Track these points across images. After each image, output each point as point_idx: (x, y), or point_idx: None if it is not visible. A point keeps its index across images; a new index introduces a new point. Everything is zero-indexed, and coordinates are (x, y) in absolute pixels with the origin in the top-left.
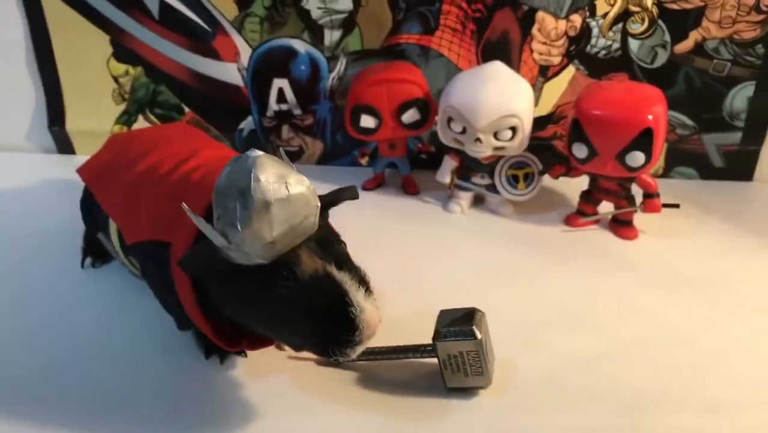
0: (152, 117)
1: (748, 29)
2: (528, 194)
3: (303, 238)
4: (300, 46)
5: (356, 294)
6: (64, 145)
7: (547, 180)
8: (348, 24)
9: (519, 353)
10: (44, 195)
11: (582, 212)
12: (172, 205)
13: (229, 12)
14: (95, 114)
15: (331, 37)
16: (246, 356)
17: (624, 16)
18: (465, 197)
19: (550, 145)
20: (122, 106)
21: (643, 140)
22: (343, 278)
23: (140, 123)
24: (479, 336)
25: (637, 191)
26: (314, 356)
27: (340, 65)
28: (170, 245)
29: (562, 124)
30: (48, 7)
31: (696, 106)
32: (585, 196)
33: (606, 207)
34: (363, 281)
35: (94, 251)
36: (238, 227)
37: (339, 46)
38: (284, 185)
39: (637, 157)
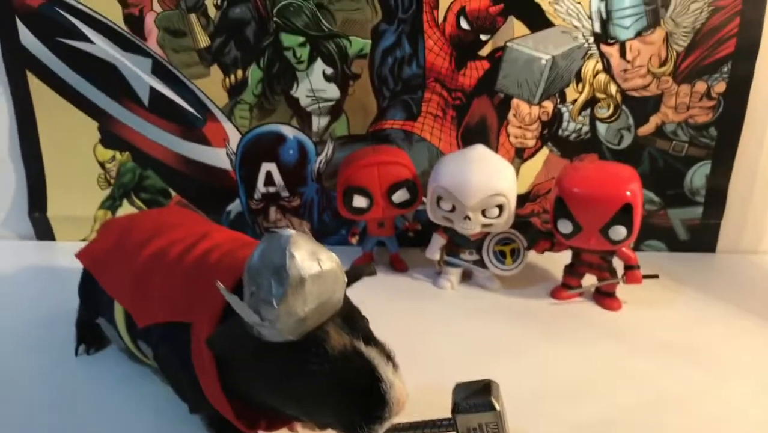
0: (138, 201)
1: (701, 114)
2: (515, 269)
3: (330, 314)
4: (288, 131)
5: (385, 369)
6: (43, 232)
7: (531, 255)
8: (335, 111)
9: (529, 424)
10: (22, 282)
11: (567, 285)
12: (192, 287)
13: (220, 100)
14: (79, 200)
15: (318, 123)
16: None
17: (591, 102)
18: (454, 273)
19: (529, 222)
20: (107, 192)
21: (624, 215)
22: (371, 353)
23: (125, 208)
24: (498, 408)
25: (617, 264)
26: None
27: (328, 149)
28: (190, 325)
29: (539, 202)
30: (36, 93)
31: (660, 183)
32: (569, 269)
33: (589, 280)
34: (389, 357)
35: (89, 338)
36: (274, 303)
37: (326, 131)
38: (317, 262)
39: (619, 231)
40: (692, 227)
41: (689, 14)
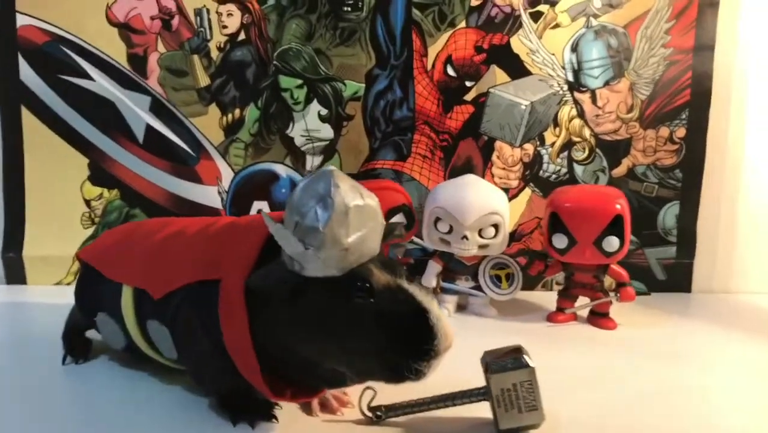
0: None
1: (667, 157)
2: (511, 293)
3: (370, 256)
4: (282, 170)
5: (432, 304)
6: (14, 274)
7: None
8: (329, 150)
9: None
10: None
11: (561, 309)
12: (221, 246)
13: (216, 138)
14: (59, 239)
15: (312, 162)
16: (277, 421)
17: (568, 145)
18: (451, 300)
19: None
20: (90, 231)
21: (616, 226)
22: (415, 290)
23: None
24: (532, 364)
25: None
26: (350, 417)
27: None
28: (218, 282)
29: (524, 242)
30: (28, 128)
31: (635, 223)
32: (563, 293)
33: (583, 302)
34: (432, 296)
35: (77, 348)
36: (320, 227)
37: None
38: (359, 194)
39: (612, 242)
40: (668, 266)
41: (648, 67)
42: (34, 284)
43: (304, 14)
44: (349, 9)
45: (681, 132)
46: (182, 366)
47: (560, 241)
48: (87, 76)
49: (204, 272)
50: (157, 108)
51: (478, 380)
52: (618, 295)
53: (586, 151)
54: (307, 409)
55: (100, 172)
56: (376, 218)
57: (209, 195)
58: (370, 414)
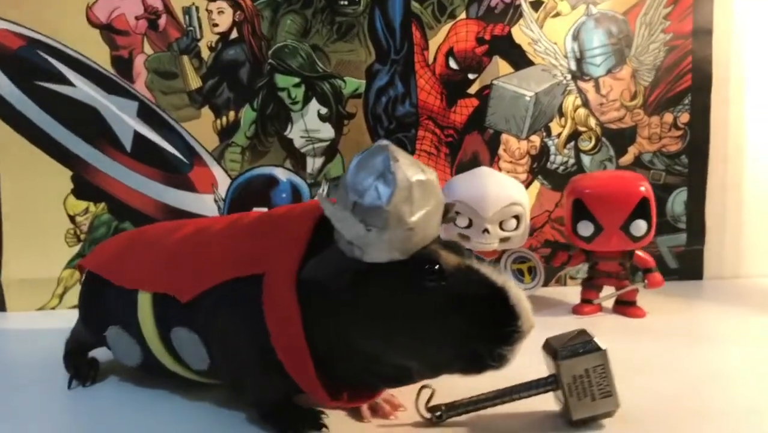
0: None
1: (672, 143)
2: (535, 287)
3: (432, 238)
4: (281, 174)
5: (509, 283)
6: None
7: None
8: (330, 151)
9: None
10: None
11: (587, 300)
12: (260, 239)
13: (210, 143)
14: (42, 259)
15: (313, 164)
16: (328, 429)
17: (575, 135)
18: None
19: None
20: (76, 248)
21: (642, 209)
22: (488, 270)
23: None
24: (604, 346)
25: None
26: (406, 420)
27: (323, 191)
28: (261, 277)
29: (536, 236)
30: (1, 139)
31: None
32: (587, 283)
33: (608, 291)
34: (508, 275)
35: (83, 369)
36: (383, 204)
37: (321, 172)
38: (420, 169)
39: (640, 226)
40: (679, 254)
41: (649, 53)
42: (14, 310)
43: (299, 9)
44: (346, 3)
45: (685, 117)
46: (213, 378)
47: (586, 228)
48: (67, 82)
49: (242, 268)
50: (146, 113)
51: (527, 373)
52: (646, 282)
53: (593, 141)
54: (356, 415)
55: (85, 185)
56: (438, 195)
57: (205, 203)
58: (428, 415)
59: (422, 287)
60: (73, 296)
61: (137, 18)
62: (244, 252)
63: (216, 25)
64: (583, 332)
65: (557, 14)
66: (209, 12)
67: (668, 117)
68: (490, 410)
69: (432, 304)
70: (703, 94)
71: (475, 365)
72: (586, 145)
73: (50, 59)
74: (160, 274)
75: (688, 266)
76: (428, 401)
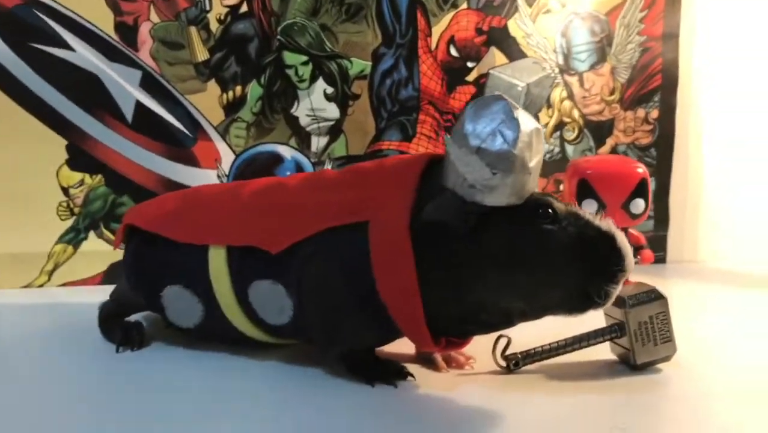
0: (107, 233)
1: (644, 136)
2: None
3: (534, 190)
4: (286, 151)
5: (612, 226)
6: None
7: None
8: (334, 131)
9: None
10: None
11: None
12: (359, 189)
13: (215, 117)
14: (31, 233)
15: (318, 143)
16: (414, 378)
17: (560, 125)
18: None
19: None
20: (69, 222)
21: (642, 189)
22: (590, 215)
23: (92, 241)
24: (665, 295)
25: None
26: (482, 369)
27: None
28: (365, 224)
29: None
30: None
31: None
32: None
33: None
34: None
35: (128, 333)
36: (512, 148)
37: (325, 151)
38: (532, 118)
39: (639, 204)
40: (647, 240)
41: (626, 52)
42: (2, 287)
43: None
44: None
45: (655, 113)
46: (287, 335)
47: (590, 206)
48: (66, 46)
49: (342, 216)
50: (149, 83)
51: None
52: (638, 257)
53: (576, 131)
54: (432, 366)
55: (81, 156)
56: (544, 144)
57: (207, 179)
58: (504, 363)
59: (540, 228)
60: (65, 273)
61: None
62: (343, 201)
63: None
64: (641, 284)
65: (548, 11)
66: None
67: (641, 112)
68: (555, 360)
69: (549, 244)
70: (671, 93)
71: (583, 304)
72: (569, 135)
73: (49, 21)
74: (238, 227)
75: (654, 251)
76: (504, 350)
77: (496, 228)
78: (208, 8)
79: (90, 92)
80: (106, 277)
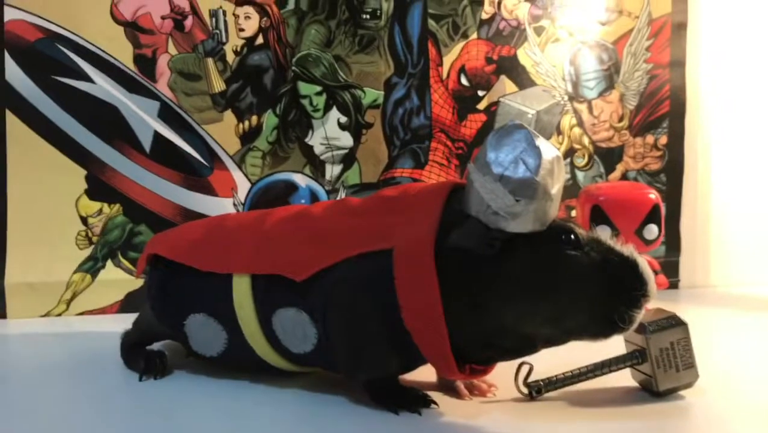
0: (125, 262)
1: (653, 162)
2: None
3: (556, 216)
4: (301, 180)
5: (634, 252)
6: None
7: None
8: (348, 159)
9: None
10: None
11: None
12: (384, 216)
13: (231, 146)
14: (49, 262)
15: (332, 171)
16: (438, 406)
17: (570, 152)
18: None
19: None
20: (87, 251)
21: (655, 214)
22: (611, 241)
23: (109, 270)
24: (685, 321)
25: None
26: (505, 397)
27: (340, 198)
28: (390, 252)
29: None
30: (12, 135)
31: None
32: None
33: None
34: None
35: (152, 361)
36: (535, 176)
37: (339, 179)
38: (553, 146)
39: (653, 230)
40: (660, 265)
41: (634, 80)
42: (16, 317)
43: (324, 20)
44: (368, 17)
45: (664, 139)
46: (310, 363)
47: (603, 233)
48: (86, 78)
49: (368, 244)
50: (167, 114)
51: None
52: None
53: (586, 158)
54: (455, 394)
55: (100, 185)
56: (564, 171)
57: (223, 208)
58: (527, 391)
59: (564, 254)
60: (83, 302)
61: (163, 17)
62: (368, 228)
63: (242, 29)
64: (661, 310)
65: (557, 40)
66: (236, 16)
67: (650, 138)
68: (577, 387)
69: (573, 270)
70: (679, 119)
71: (608, 328)
72: (580, 161)
73: (70, 54)
74: (263, 256)
75: (666, 276)
76: (526, 377)
77: (520, 254)
78: (224, 40)
79: (109, 123)
80: (123, 305)
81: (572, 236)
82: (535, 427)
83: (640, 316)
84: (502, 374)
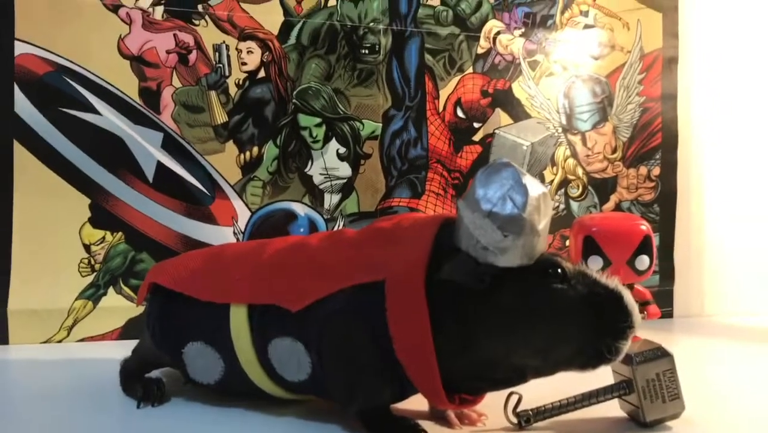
0: (126, 289)
1: (647, 193)
2: None
3: (543, 251)
4: (300, 208)
5: (619, 285)
6: None
7: None
8: (347, 189)
9: None
10: None
11: None
12: (378, 248)
13: (232, 176)
14: (51, 289)
15: (331, 200)
16: None
17: (564, 183)
18: None
19: None
20: (90, 278)
21: (646, 245)
22: (597, 274)
23: (111, 297)
24: (671, 353)
25: None
26: (494, 426)
27: (339, 227)
28: (381, 283)
29: None
30: (20, 164)
31: None
32: None
33: None
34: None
35: (149, 389)
36: (522, 213)
37: (338, 208)
38: (539, 182)
39: (644, 261)
40: (654, 295)
41: (627, 112)
42: (17, 342)
43: (324, 55)
44: (367, 52)
45: (657, 170)
46: (305, 391)
47: (596, 263)
48: (93, 110)
49: (361, 275)
50: (170, 145)
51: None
52: (645, 313)
53: (580, 189)
54: (445, 423)
55: (103, 214)
56: (551, 207)
57: (224, 236)
58: (516, 420)
59: (551, 287)
60: (84, 328)
61: (168, 52)
62: (361, 260)
63: (245, 63)
64: (648, 341)
65: (551, 74)
66: (239, 51)
67: (643, 170)
68: (565, 416)
69: (560, 303)
70: (671, 150)
71: (593, 360)
72: (574, 192)
73: (77, 86)
74: (259, 286)
75: (660, 306)
76: (515, 406)
77: (509, 288)
78: (227, 74)
79: (114, 153)
80: (123, 332)
81: (559, 270)
82: None
83: (627, 347)
84: (492, 404)
